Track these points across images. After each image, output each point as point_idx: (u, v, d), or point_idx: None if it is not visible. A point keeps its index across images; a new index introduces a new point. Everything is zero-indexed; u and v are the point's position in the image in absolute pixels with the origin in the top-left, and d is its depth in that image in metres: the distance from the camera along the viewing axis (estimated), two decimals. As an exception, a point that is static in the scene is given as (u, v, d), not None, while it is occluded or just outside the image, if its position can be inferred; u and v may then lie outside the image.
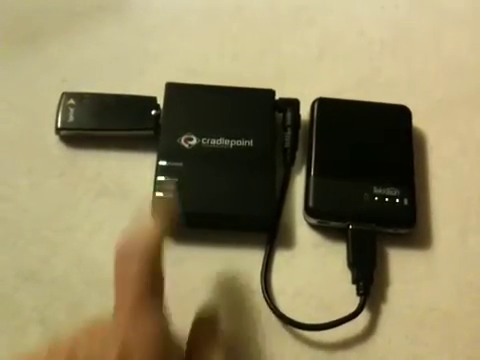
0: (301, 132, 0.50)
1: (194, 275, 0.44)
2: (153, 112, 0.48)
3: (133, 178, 0.48)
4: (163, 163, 0.46)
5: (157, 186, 0.45)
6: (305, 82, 0.54)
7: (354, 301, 0.43)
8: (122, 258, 0.34)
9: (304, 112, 0.50)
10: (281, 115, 0.50)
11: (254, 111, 0.49)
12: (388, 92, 0.53)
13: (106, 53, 0.55)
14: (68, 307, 0.43)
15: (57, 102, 0.49)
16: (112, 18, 0.57)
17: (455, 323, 0.44)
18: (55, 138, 0.49)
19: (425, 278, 0.45)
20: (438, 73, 0.55)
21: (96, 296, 0.43)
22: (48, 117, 0.49)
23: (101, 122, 0.48)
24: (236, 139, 0.47)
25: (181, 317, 0.42)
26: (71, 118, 0.48)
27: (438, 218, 0.48)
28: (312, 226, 0.47)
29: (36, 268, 0.44)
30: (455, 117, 0.53)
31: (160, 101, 0.49)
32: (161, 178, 0.45)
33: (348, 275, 0.45)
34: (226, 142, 0.47)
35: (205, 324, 0.38)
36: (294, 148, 0.49)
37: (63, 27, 0.56)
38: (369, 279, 0.44)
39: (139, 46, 0.55)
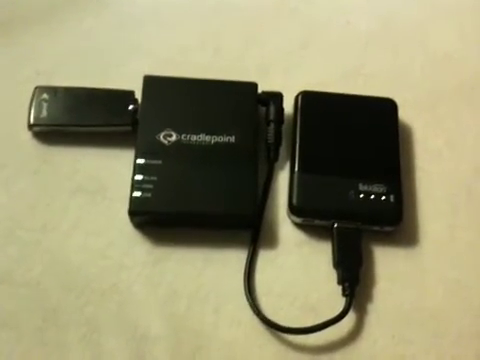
0: (285, 126, 0.48)
1: (175, 276, 0.43)
2: (130, 107, 0.47)
3: (110, 175, 0.46)
4: (141, 161, 0.44)
5: (135, 185, 0.43)
6: (289, 74, 0.52)
7: (340, 301, 0.42)
8: None
9: (288, 104, 0.49)
10: (264, 109, 0.48)
11: (236, 105, 0.47)
12: (374, 84, 0.52)
13: (82, 44, 0.53)
14: (44, 311, 0.42)
15: (30, 96, 0.47)
16: (89, 8, 0.55)
17: (442, 321, 0.43)
18: (28, 134, 0.47)
19: (412, 276, 0.45)
20: (425, 65, 0.54)
21: (72, 298, 0.42)
22: (21, 112, 0.47)
23: (76, 117, 0.47)
24: (217, 135, 0.45)
25: (163, 320, 0.42)
26: (44, 113, 0.46)
27: (425, 214, 0.47)
28: (296, 224, 0.45)
29: (10, 269, 0.43)
30: (442, 110, 0.52)
31: (138, 95, 0.47)
32: (139, 177, 0.43)
33: (333, 274, 0.43)
34: (207, 138, 0.45)
35: None
36: (278, 143, 0.48)
37: (37, 17, 0.54)
38: (355, 279, 0.43)
39: (117, 37, 0.54)
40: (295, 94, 0.49)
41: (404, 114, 0.50)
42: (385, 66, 0.54)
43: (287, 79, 0.52)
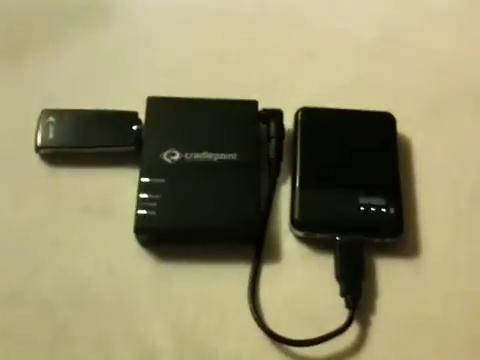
0: (286, 142, 0.49)
1: (181, 292, 0.44)
2: (135, 127, 0.48)
3: (116, 195, 0.47)
4: (145, 180, 0.45)
5: (140, 203, 0.44)
6: (290, 88, 0.53)
7: (343, 313, 0.43)
8: None
9: (289, 119, 0.50)
10: (265, 126, 0.49)
11: (237, 123, 0.48)
12: (374, 97, 0.53)
13: (87, 66, 0.54)
14: (53, 326, 0.43)
15: (36, 118, 0.48)
16: (93, 32, 0.56)
17: (444, 332, 0.43)
18: (36, 156, 0.48)
19: (414, 288, 0.45)
20: (424, 77, 0.55)
21: (81, 314, 0.43)
22: (28, 135, 0.48)
23: (82, 139, 0.48)
24: (220, 152, 0.46)
25: (168, 335, 0.42)
26: (51, 136, 0.47)
27: (426, 226, 0.47)
28: (299, 238, 0.46)
29: (20, 287, 0.44)
30: (441, 121, 0.52)
31: (141, 115, 0.49)
32: (144, 195, 0.44)
33: (336, 287, 0.44)
34: (209, 156, 0.46)
35: None
36: (278, 159, 0.48)
37: (40, 41, 0.55)
38: (357, 292, 0.43)
39: (121, 58, 0.55)
40: (297, 107, 0.50)
41: (404, 126, 0.50)
42: (385, 78, 0.54)
43: (288, 93, 0.53)
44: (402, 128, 0.50)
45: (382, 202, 0.46)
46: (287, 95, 0.52)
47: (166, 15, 0.57)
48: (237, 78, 0.53)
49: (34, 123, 0.48)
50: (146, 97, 0.49)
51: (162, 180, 0.45)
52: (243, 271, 0.45)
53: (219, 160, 0.46)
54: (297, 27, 0.57)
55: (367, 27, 0.57)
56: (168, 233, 0.45)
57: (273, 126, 0.49)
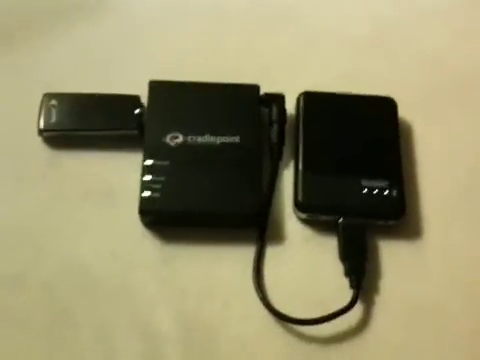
0: (288, 126, 0.49)
1: (185, 274, 0.44)
2: (137, 111, 0.48)
3: (119, 178, 0.47)
4: (149, 162, 0.45)
5: (144, 185, 0.44)
6: (290, 77, 0.53)
7: (347, 294, 0.43)
8: None
9: (291, 106, 0.50)
10: (267, 110, 0.50)
11: (239, 107, 0.48)
12: (373, 85, 0.53)
13: (86, 53, 0.54)
14: (57, 311, 0.42)
15: (38, 104, 0.48)
16: (93, 18, 0.56)
17: (445, 313, 0.44)
18: (38, 140, 0.48)
19: (416, 268, 0.45)
20: (422, 65, 0.55)
21: (85, 299, 0.43)
22: (30, 120, 0.48)
23: (84, 122, 0.48)
24: (222, 136, 0.46)
25: (174, 317, 0.42)
26: (54, 119, 0.47)
27: (428, 208, 0.48)
28: (302, 220, 0.46)
29: (23, 272, 0.44)
30: (441, 107, 0.53)
31: (143, 100, 0.49)
32: (147, 178, 0.44)
33: (339, 268, 0.44)
34: (212, 139, 0.46)
35: None
36: (281, 143, 0.48)
37: (41, 27, 0.55)
38: (361, 272, 0.43)
39: (120, 45, 0.55)
40: (294, 96, 0.50)
41: (404, 112, 0.51)
42: (383, 67, 0.55)
43: (289, 81, 0.52)
44: (402, 113, 0.51)
45: (384, 184, 0.46)
46: (286, 84, 0.52)
47: (162, 8, 0.57)
48: (235, 68, 0.53)
49: (34, 108, 0.48)
50: (148, 81, 0.48)
51: (165, 163, 0.45)
52: (247, 253, 0.45)
53: (222, 143, 0.46)
54: (295, 23, 0.57)
55: (360, 22, 0.58)
56: (172, 215, 0.45)
57: (275, 110, 0.49)
